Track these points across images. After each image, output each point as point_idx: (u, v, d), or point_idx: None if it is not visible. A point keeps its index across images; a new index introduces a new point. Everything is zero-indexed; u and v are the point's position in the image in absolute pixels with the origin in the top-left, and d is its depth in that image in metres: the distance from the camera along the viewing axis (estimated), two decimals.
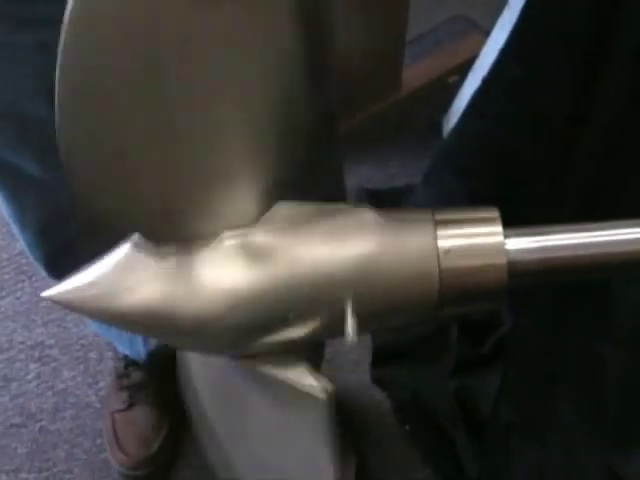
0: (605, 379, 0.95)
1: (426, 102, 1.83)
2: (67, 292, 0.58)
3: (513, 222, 0.54)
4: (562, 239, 0.54)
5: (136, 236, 0.54)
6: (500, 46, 1.11)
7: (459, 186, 1.11)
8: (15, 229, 1.14)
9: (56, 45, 0.47)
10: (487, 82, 1.14)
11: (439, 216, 0.54)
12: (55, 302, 0.59)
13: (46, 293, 0.58)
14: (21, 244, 1.22)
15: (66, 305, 0.60)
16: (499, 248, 0.53)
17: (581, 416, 1.01)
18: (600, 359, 0.95)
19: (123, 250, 0.54)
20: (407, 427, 1.51)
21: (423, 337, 1.40)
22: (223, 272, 0.52)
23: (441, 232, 0.53)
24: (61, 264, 1.15)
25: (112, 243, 0.56)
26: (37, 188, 1.02)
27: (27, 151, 0.96)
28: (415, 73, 1.86)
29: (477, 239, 0.53)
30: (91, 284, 0.56)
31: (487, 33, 1.64)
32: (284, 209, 0.54)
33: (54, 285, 0.58)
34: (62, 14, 0.48)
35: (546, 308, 1.05)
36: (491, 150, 1.11)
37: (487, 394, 1.28)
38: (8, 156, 0.97)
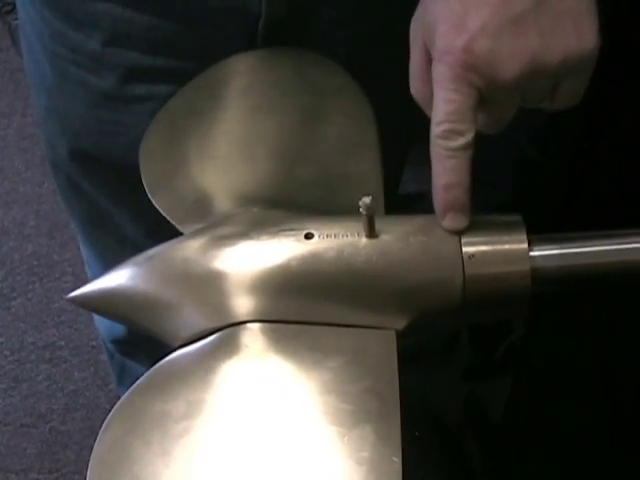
0: (622, 390, 0.95)
1: None
2: (91, 293, 0.60)
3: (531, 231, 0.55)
4: (586, 246, 0.54)
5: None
6: None
7: (475, 194, 1.11)
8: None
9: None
10: None
11: None
12: (78, 304, 0.61)
13: (71, 295, 0.60)
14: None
15: (89, 306, 0.61)
16: (523, 255, 0.53)
17: (597, 426, 1.01)
18: (616, 370, 0.95)
19: None
20: (417, 433, 1.51)
21: (433, 341, 1.40)
22: None
23: (466, 238, 0.54)
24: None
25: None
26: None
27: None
28: None
29: (501, 245, 0.54)
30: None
31: None
32: None
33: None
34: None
35: (560, 316, 1.05)
36: (509, 159, 1.12)
37: (498, 401, 1.28)
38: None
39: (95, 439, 0.51)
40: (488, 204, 1.13)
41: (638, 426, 0.97)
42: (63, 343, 1.69)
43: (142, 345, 0.97)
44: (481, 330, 1.34)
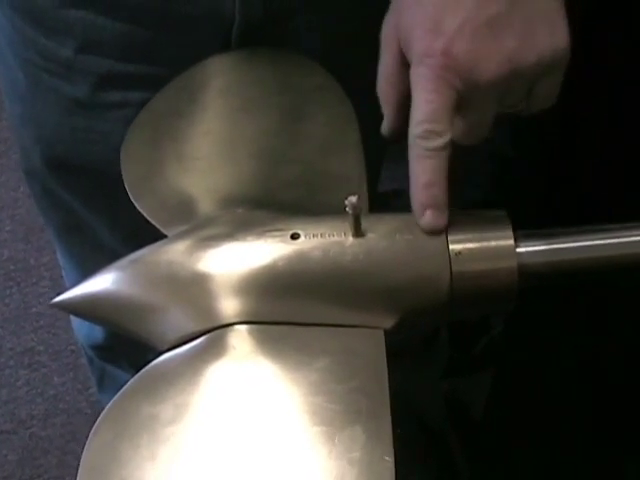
0: (603, 383, 0.95)
1: None
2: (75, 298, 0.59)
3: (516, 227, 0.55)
4: (572, 242, 0.55)
5: None
6: None
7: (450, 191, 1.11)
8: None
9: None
10: None
11: (449, 219, 0.54)
12: (62, 309, 0.60)
13: (55, 300, 0.59)
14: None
15: (72, 311, 0.61)
16: (510, 251, 0.54)
17: (578, 420, 1.01)
18: (597, 364, 0.96)
19: None
20: (398, 431, 1.51)
21: (412, 339, 1.40)
22: None
23: (452, 235, 0.54)
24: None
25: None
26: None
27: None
28: None
29: (488, 242, 0.54)
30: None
31: None
32: None
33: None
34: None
35: (539, 309, 1.06)
36: (483, 154, 1.12)
37: (479, 397, 1.28)
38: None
39: (76, 444, 0.51)
40: (463, 202, 1.13)
41: (620, 419, 0.97)
42: (42, 348, 1.68)
43: (121, 350, 0.97)
44: (460, 326, 1.34)
